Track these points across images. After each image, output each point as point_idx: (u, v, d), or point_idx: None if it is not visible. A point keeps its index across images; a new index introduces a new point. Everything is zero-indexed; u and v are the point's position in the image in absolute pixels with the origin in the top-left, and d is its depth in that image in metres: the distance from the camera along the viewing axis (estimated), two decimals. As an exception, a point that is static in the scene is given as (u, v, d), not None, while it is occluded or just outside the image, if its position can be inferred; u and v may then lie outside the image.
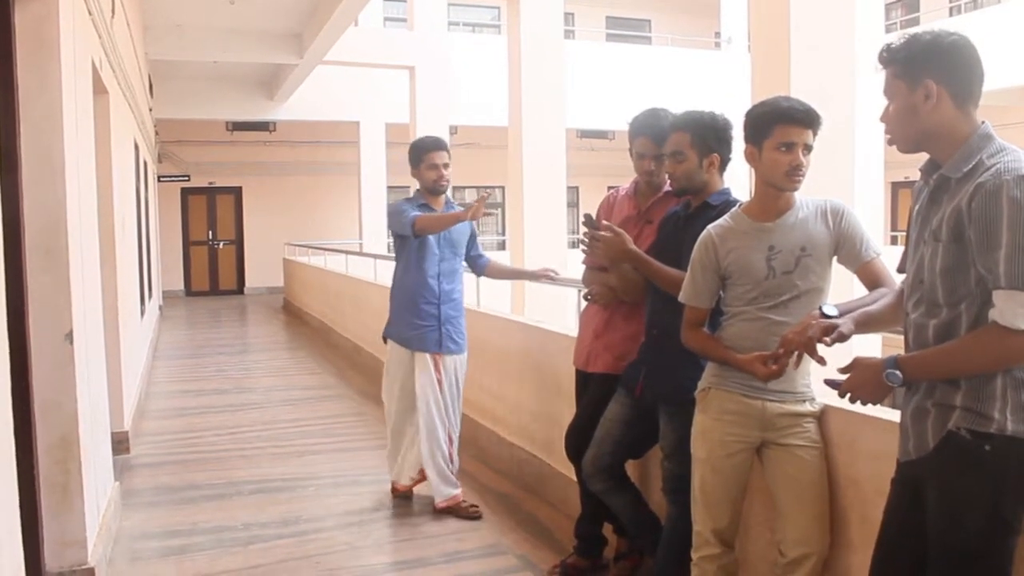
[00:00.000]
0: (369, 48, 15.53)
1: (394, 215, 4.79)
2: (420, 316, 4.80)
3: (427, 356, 4.82)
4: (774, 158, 2.76)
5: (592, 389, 3.85)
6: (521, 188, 10.36)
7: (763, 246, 2.83)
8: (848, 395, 2.25)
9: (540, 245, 10.24)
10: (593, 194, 21.67)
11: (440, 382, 4.83)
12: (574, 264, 4.66)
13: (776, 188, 2.81)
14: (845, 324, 2.42)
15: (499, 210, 23.48)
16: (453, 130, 17.47)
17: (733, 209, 2.98)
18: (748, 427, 2.88)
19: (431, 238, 4.77)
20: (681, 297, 3.02)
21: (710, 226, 2.97)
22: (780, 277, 2.81)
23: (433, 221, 4.64)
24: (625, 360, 3.62)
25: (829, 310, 2.54)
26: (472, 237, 5.05)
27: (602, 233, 3.38)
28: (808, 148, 2.78)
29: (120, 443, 6.14)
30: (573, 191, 21.71)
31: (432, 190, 4.84)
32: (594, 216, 3.65)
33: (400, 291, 4.91)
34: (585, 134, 22.10)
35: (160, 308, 15.86)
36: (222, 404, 8.19)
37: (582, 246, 3.57)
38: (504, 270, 5.43)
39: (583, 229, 3.48)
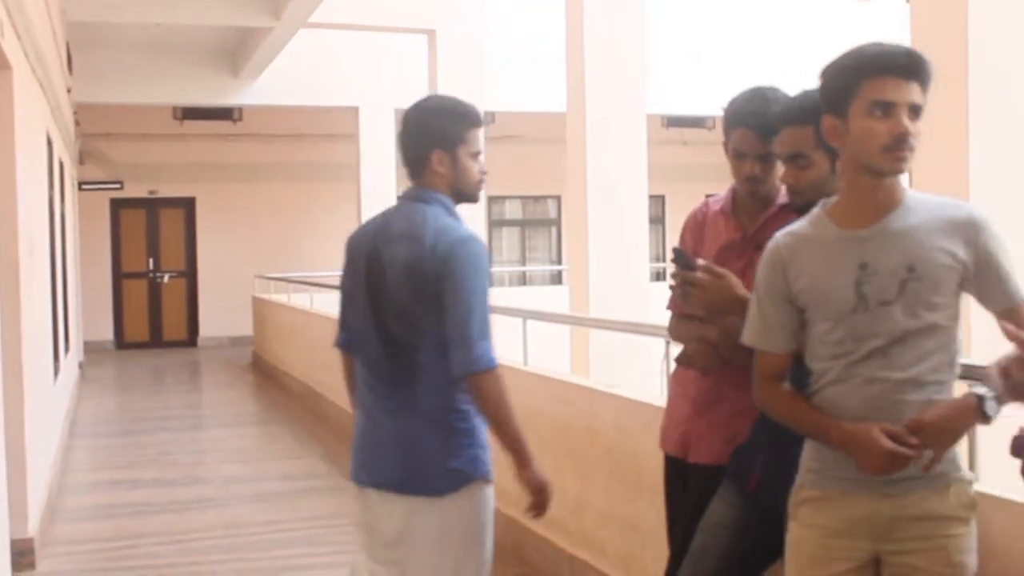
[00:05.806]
0: (372, 5, 15.68)
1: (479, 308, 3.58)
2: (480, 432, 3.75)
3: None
4: (866, 127, 2.65)
5: (695, 488, 3.76)
6: (584, 198, 10.35)
7: (851, 264, 2.73)
8: None
9: (610, 277, 10.17)
10: (685, 205, 21.57)
11: None
12: (660, 303, 4.59)
13: (872, 172, 2.70)
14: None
15: (553, 227, 23.55)
16: (489, 118, 17.55)
17: (814, 210, 2.90)
18: (853, 536, 2.78)
19: None
20: (744, 337, 2.97)
21: (779, 234, 2.92)
22: (875, 310, 2.70)
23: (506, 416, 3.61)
24: (735, 444, 3.55)
25: (990, 408, 2.47)
26: None
27: (699, 275, 3.32)
28: (916, 110, 2.66)
29: (22, 555, 6.18)
30: (657, 201, 21.72)
31: (472, 194, 3.85)
32: (679, 243, 3.60)
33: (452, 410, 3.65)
34: (673, 122, 22.14)
35: (80, 366, 16.05)
36: (165, 500, 8.22)
37: (672, 289, 3.49)
38: None
39: (671, 265, 3.43)
